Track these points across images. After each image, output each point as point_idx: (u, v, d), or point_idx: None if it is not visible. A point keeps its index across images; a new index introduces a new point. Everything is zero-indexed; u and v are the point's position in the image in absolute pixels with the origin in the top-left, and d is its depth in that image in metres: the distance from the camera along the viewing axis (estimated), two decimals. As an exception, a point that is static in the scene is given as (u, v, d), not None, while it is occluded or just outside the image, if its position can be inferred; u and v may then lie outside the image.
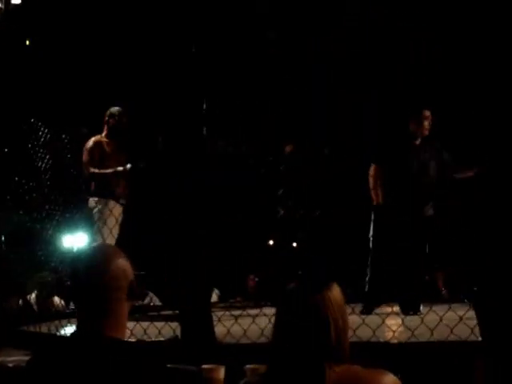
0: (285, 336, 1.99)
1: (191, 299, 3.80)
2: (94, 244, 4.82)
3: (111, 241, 5.26)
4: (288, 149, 7.80)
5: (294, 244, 10.47)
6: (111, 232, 5.33)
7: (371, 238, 5.60)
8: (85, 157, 5.75)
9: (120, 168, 5.69)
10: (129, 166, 5.71)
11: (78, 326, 1.94)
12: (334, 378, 1.91)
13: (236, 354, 3.50)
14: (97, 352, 1.81)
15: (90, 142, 5.75)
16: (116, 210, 5.64)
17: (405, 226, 5.33)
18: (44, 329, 4.88)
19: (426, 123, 5.54)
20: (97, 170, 5.67)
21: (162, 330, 4.03)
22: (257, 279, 9.56)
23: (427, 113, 5.57)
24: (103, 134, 5.78)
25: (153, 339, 3.87)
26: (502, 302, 1.54)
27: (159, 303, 7.62)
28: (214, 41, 4.05)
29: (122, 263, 1.93)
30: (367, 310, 5.24)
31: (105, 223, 5.48)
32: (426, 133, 5.57)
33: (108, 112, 5.83)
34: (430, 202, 5.63)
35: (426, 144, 5.63)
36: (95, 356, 1.79)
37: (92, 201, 5.76)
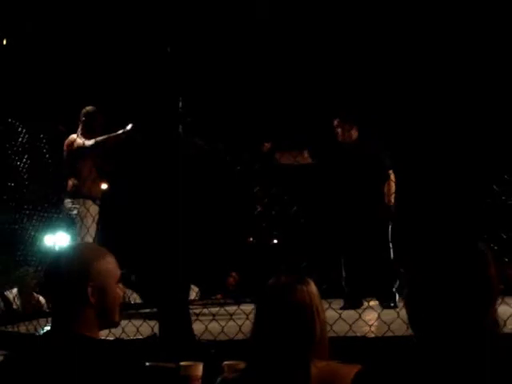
0: (266, 332, 2.00)
1: (169, 297, 3.81)
2: (77, 243, 4.82)
3: (89, 240, 5.25)
4: (266, 147, 7.80)
5: (275, 241, 10.51)
6: (88, 231, 5.31)
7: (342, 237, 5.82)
8: (67, 152, 5.72)
9: (120, 131, 5.65)
10: (129, 126, 5.63)
11: (51, 325, 1.94)
12: (315, 374, 1.93)
13: (214, 350, 3.51)
14: (69, 350, 1.79)
15: (70, 138, 5.75)
16: (93, 209, 5.62)
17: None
18: (22, 328, 4.87)
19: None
20: (93, 140, 5.62)
21: (141, 328, 4.04)
22: (237, 276, 9.58)
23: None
24: (79, 133, 5.76)
25: (131, 337, 3.88)
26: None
27: (140, 301, 7.63)
28: (190, 39, 4.05)
29: (104, 264, 1.91)
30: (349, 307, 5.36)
31: (83, 223, 5.46)
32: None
33: (83, 111, 5.82)
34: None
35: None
36: (67, 354, 1.78)
37: (68, 202, 5.70)
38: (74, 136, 5.75)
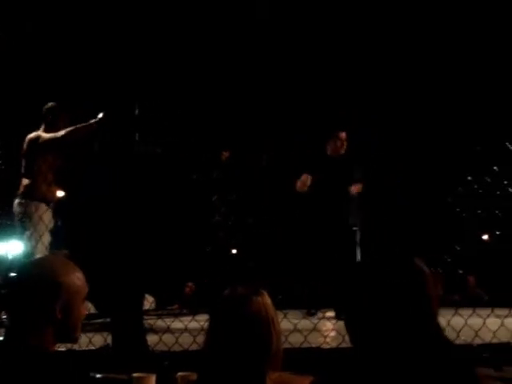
0: (220, 343, 1.97)
1: (123, 307, 3.76)
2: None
3: (42, 248, 5.09)
4: (224, 156, 7.80)
5: (234, 251, 10.49)
6: (41, 239, 5.11)
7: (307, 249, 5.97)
8: (27, 150, 5.47)
9: (92, 120, 5.38)
10: (101, 114, 5.21)
11: (4, 335, 1.89)
12: (270, 386, 1.91)
13: (167, 361, 3.47)
14: (21, 362, 1.75)
15: (33, 134, 5.51)
16: (47, 215, 5.35)
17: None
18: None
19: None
20: (63, 131, 5.40)
21: (93, 339, 3.97)
22: (193, 286, 9.52)
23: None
24: (41, 130, 5.56)
25: (83, 348, 3.81)
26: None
27: (94, 311, 7.50)
28: (149, 45, 4.02)
29: (73, 280, 1.88)
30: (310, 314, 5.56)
31: (35, 229, 5.21)
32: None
33: (45, 107, 5.64)
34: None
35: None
36: (18, 366, 1.74)
37: (18, 204, 5.30)
38: (37, 132, 5.50)
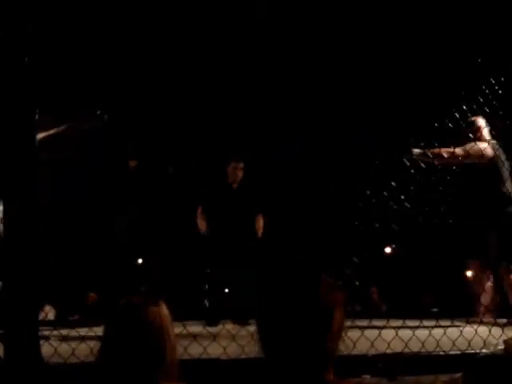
0: (114, 352, 1.94)
1: (16, 317, 3.62)
2: None
3: None
4: (131, 164, 7.71)
5: (140, 260, 10.32)
6: None
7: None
8: None
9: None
10: None
11: None
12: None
13: (63, 374, 3.38)
14: None
15: None
16: None
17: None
18: None
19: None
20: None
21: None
22: (95, 296, 9.30)
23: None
24: None
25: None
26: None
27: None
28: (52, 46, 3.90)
29: None
30: (210, 323, 5.72)
31: None
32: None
33: None
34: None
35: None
36: None
37: None
38: None
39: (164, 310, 2.04)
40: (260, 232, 6.38)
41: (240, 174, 6.51)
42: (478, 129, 5.54)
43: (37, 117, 3.69)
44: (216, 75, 7.93)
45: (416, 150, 5.38)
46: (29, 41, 3.67)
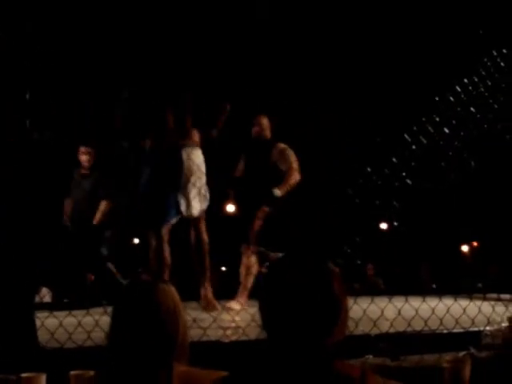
0: (125, 334, 1.88)
1: (11, 300, 3.54)
2: None
3: None
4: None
5: (136, 240, 10.26)
6: None
7: None
8: None
9: None
10: None
11: None
12: (175, 379, 1.83)
13: (60, 359, 3.31)
14: None
15: None
16: None
17: None
18: None
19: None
20: None
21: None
22: (92, 277, 9.26)
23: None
24: None
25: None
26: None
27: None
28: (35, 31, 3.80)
29: None
30: None
31: None
32: None
33: None
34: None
35: None
36: None
37: None
38: None
39: (173, 289, 1.98)
40: None
41: None
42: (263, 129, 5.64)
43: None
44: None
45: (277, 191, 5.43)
46: (29, 41, 3.59)
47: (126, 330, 1.88)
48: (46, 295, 7.62)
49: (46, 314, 3.99)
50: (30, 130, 3.65)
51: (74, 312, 4.18)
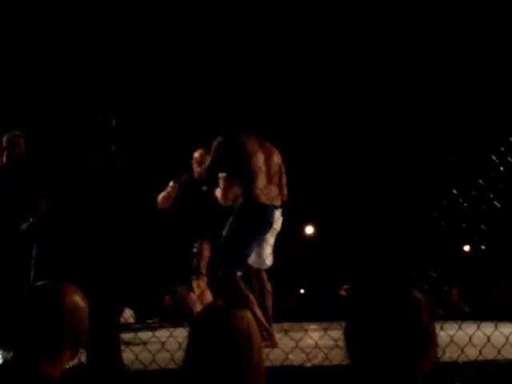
0: (201, 359, 1.88)
1: (97, 322, 3.61)
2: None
3: None
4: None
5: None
6: None
7: None
8: None
9: None
10: None
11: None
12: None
13: (144, 381, 3.35)
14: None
15: None
16: None
17: None
18: None
19: None
20: None
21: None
22: (171, 300, 9.38)
23: None
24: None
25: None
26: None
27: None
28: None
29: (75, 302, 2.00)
30: None
31: None
32: None
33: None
34: None
35: None
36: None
37: None
38: None
39: (249, 314, 1.98)
40: None
41: None
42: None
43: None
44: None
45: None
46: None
47: (199, 355, 1.88)
48: (129, 317, 7.76)
49: (130, 335, 4.05)
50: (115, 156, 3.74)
51: (158, 333, 4.22)
